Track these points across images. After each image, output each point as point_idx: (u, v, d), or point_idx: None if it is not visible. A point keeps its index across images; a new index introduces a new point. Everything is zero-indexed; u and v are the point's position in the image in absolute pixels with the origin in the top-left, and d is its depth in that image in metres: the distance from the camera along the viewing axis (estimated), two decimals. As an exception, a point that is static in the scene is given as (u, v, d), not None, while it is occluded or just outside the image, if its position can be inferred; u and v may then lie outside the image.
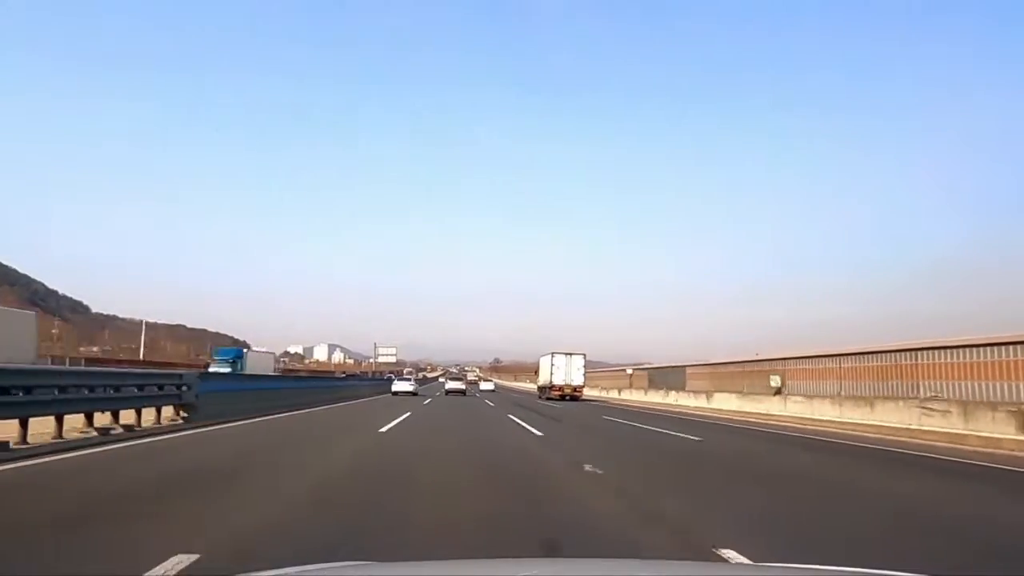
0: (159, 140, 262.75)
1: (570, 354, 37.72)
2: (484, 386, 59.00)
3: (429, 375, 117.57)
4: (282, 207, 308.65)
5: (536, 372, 46.37)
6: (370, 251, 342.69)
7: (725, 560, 3.65)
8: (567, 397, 36.69)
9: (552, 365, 37.28)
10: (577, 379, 37.26)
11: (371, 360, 73.92)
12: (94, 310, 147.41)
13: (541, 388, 41.32)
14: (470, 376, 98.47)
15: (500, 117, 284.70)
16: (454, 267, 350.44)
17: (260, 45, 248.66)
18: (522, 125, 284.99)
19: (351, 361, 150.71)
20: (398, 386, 38.28)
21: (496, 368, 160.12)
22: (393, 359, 68.94)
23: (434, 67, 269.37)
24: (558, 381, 36.95)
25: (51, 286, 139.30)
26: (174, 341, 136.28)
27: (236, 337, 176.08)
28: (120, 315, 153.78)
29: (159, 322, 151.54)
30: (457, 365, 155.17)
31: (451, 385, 43.41)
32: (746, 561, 3.64)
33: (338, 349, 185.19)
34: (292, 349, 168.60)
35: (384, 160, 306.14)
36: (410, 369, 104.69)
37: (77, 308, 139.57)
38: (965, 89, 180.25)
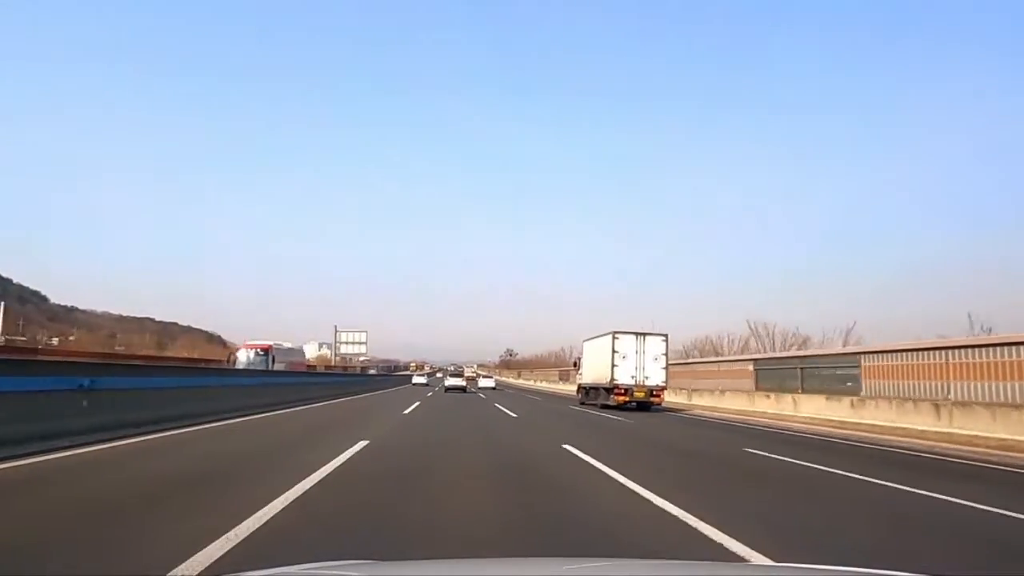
0: (153, 131, 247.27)
1: (643, 334, 23.64)
2: (483, 383, 51.78)
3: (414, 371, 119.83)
4: (279, 200, 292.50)
5: (575, 365, 32.36)
6: (365, 250, 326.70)
7: None
8: (632, 403, 23.01)
9: (613, 352, 23.17)
10: (655, 375, 23.16)
11: (335, 354, 58.81)
12: (53, 300, 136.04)
13: (587, 389, 27.27)
14: (467, 373, 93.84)
15: (502, 113, 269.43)
16: (452, 265, 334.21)
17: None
18: (526, 121, 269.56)
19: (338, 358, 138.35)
20: (417, 379, 52.36)
21: (508, 364, 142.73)
22: (363, 347, 52.90)
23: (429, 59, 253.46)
24: (624, 378, 22.99)
25: (5, 274, 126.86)
26: (139, 335, 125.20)
27: (212, 332, 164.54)
28: (81, 307, 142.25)
29: (125, 315, 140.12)
30: (454, 364, 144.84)
31: (451, 382, 41.76)
32: None
33: (325, 346, 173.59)
34: (283, 346, 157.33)
35: (385, 158, 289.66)
36: (420, 368, 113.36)
37: (30, 298, 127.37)
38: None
